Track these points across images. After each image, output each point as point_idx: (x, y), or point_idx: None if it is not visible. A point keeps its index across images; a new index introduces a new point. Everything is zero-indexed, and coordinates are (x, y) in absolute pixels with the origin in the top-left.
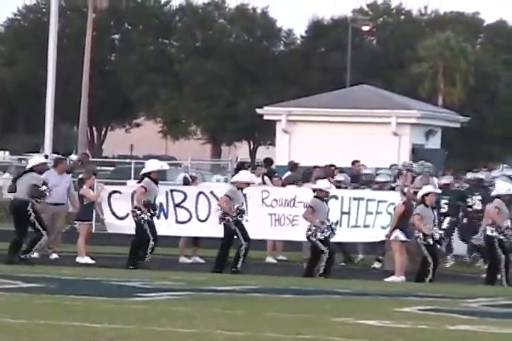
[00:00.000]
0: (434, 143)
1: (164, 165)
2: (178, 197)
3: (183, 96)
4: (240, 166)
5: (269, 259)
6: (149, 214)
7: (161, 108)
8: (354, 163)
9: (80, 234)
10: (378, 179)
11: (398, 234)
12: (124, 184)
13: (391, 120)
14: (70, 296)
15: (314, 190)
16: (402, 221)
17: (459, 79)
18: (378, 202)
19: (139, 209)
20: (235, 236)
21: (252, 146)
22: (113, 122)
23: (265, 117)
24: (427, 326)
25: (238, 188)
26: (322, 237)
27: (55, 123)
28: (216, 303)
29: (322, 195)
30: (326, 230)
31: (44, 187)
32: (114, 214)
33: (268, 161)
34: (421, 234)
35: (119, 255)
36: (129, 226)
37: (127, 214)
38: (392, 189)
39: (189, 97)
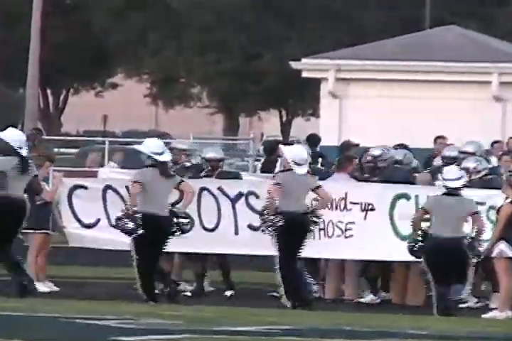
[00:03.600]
0: None
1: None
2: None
3: (181, 43)
4: (269, 147)
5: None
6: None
7: (149, 61)
8: (438, 139)
9: (30, 248)
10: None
11: (503, 248)
12: (94, 175)
13: (491, 78)
14: None
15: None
16: (509, 229)
17: None
18: None
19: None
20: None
21: (284, 118)
22: (78, 82)
23: (304, 74)
24: None
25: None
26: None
27: None
28: None
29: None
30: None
31: None
32: (77, 219)
33: (347, 146)
34: None
35: (87, 280)
36: (100, 238)
37: (98, 221)
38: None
39: (190, 46)
